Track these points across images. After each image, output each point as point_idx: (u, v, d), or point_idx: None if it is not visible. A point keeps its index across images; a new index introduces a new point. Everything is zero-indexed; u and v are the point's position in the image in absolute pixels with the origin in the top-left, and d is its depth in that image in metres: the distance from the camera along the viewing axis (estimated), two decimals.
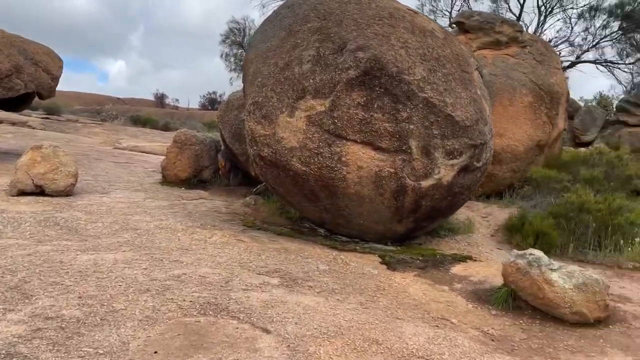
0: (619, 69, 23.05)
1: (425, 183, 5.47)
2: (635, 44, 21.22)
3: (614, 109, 15.25)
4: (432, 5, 24.28)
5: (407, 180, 5.41)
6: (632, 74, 22.46)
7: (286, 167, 5.66)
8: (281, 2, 7.21)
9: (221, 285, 4.12)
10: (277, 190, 6.27)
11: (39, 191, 7.03)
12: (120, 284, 3.87)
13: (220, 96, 67.27)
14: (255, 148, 5.87)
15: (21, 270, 3.92)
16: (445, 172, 5.49)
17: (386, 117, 5.31)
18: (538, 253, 4.31)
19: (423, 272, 5.32)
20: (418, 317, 4.00)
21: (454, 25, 10.06)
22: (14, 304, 3.29)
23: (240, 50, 29.70)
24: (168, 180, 9.32)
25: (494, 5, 21.85)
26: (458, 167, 5.54)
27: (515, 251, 4.52)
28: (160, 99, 63.76)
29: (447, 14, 24.32)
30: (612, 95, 23.65)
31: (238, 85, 31.66)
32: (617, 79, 22.56)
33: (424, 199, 5.57)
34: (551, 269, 4.15)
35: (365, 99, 5.32)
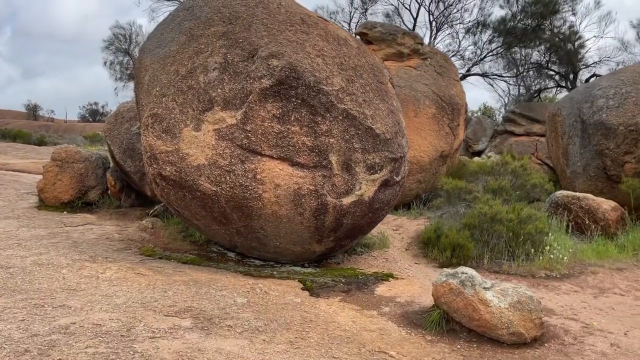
0: (505, 81, 25.01)
1: (347, 200, 5.13)
2: (513, 59, 23.18)
3: (501, 120, 16.35)
4: (330, 17, 24.56)
5: (328, 198, 5.04)
6: (518, 85, 24.47)
7: (193, 187, 5.02)
8: (174, 7, 6.53)
9: (122, 335, 3.40)
10: (181, 213, 5.57)
11: None
12: None
13: (102, 107, 63.07)
14: (155, 166, 5.15)
15: None
16: (366, 187, 5.20)
17: (304, 130, 4.90)
18: (470, 271, 4.13)
19: (348, 296, 4.95)
20: (354, 353, 3.60)
21: (357, 36, 10.01)
22: None
23: (126, 58, 27.76)
24: (47, 203, 8.09)
25: (387, 20, 22.64)
26: (379, 182, 5.28)
27: (447, 270, 4.32)
28: (32, 111, 58.12)
29: (346, 25, 24.72)
30: (494, 107, 25.62)
31: (125, 95, 29.65)
32: (497, 92, 24.42)
33: (345, 217, 5.22)
34: (484, 288, 3.99)
35: (281, 110, 4.87)
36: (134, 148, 7.73)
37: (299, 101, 4.89)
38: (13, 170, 13.98)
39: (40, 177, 12.12)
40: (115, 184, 8.25)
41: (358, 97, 5.12)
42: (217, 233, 5.61)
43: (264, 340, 3.62)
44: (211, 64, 5.10)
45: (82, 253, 5.48)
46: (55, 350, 3.05)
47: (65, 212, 7.86)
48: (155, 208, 7.54)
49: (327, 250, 5.70)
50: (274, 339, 3.67)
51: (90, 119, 57.93)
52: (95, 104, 61.17)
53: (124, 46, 27.92)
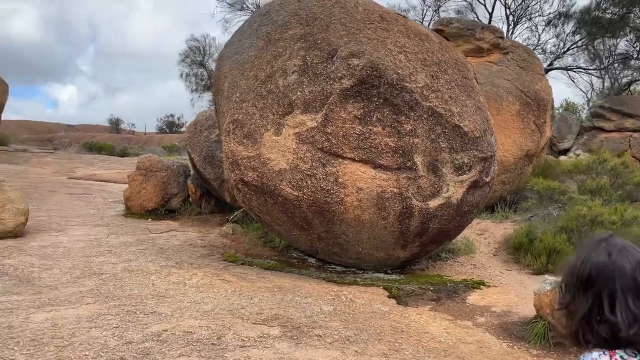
0: (590, 74, 23.44)
1: (433, 203, 4.86)
2: (596, 51, 21.66)
3: (587, 115, 15.25)
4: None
5: (413, 201, 4.79)
6: (602, 79, 22.86)
7: (274, 192, 4.95)
8: (247, 17, 6.55)
9: (212, 343, 3.35)
10: (262, 218, 5.54)
11: None
12: (87, 352, 3.05)
13: (178, 119, 65.92)
14: (237, 172, 5.14)
15: None
16: (454, 189, 4.90)
17: (387, 130, 4.69)
18: None
19: (438, 305, 4.68)
20: None
21: None
22: None
23: (200, 70, 28.80)
24: (132, 211, 8.41)
25: (460, 16, 21.87)
26: (468, 184, 4.97)
27: (549, 277, 3.95)
28: (115, 125, 61.85)
29: (419, 22, 24.25)
30: (577, 103, 24.06)
31: (201, 106, 30.67)
32: (579, 87, 22.92)
33: (431, 221, 4.96)
34: None
35: (362, 111, 4.70)
36: (213, 155, 7.86)
37: (381, 100, 4.70)
38: (100, 181, 14.79)
39: (125, 186, 12.71)
40: (196, 191, 8.43)
41: (444, 93, 4.85)
42: (298, 239, 5.52)
43: (356, 351, 3.44)
44: (290, 67, 5.02)
45: (168, 259, 5.58)
46: (150, 358, 3.04)
47: (149, 219, 8.11)
48: (234, 214, 7.61)
49: (412, 256, 5.45)
50: (367, 350, 3.48)
51: (167, 131, 60.72)
52: (172, 116, 64.01)
53: (198, 58, 28.99)
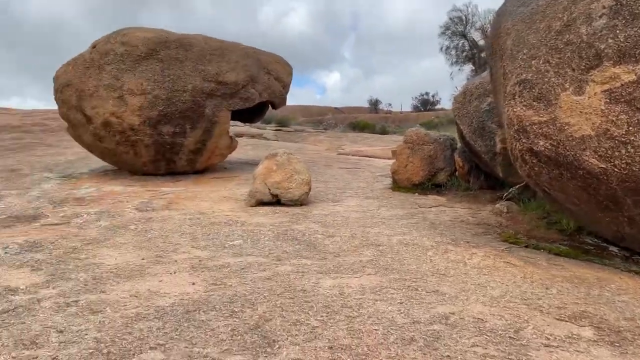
0: None
1: None
2: None
3: None
4: None
5: None
6: None
7: (573, 164, 4.12)
8: None
9: (510, 337, 2.87)
10: (552, 196, 4.74)
11: (275, 200, 6.79)
12: (376, 327, 2.93)
13: (432, 96, 66.12)
14: (524, 141, 4.47)
15: (261, 303, 3.29)
16: None
17: None
18: None
19: None
20: None
21: None
22: (255, 355, 2.58)
23: (461, 41, 27.91)
24: (399, 185, 8.44)
25: None
26: None
27: None
28: (374, 105, 65.42)
29: None
30: None
31: (460, 79, 29.84)
32: None
33: None
34: None
35: None
36: (483, 127, 7.24)
37: None
38: (365, 156, 15.60)
39: (388, 161, 13.03)
40: (464, 165, 7.97)
41: None
42: (600, 221, 4.56)
43: None
44: (596, 10, 4.06)
45: (442, 235, 5.29)
46: (441, 344, 2.75)
47: (416, 194, 8.01)
48: (509, 191, 6.88)
49: None
50: None
51: (422, 109, 61.49)
52: (426, 94, 64.55)
53: (459, 29, 28.12)
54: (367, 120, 38.23)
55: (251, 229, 5.46)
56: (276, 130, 27.93)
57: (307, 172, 6.99)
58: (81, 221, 5.87)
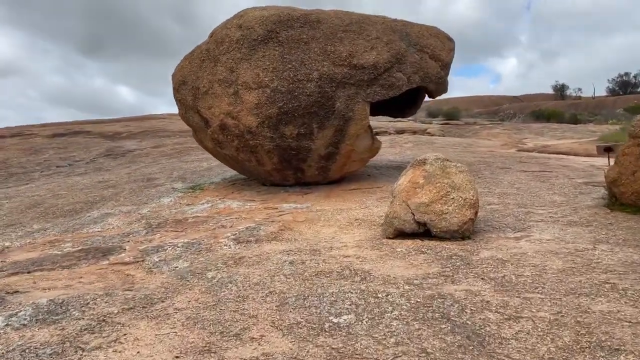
0: None
1: None
2: None
3: None
4: None
5: None
6: None
7: None
8: None
9: None
10: None
11: (422, 231, 4.59)
12: None
13: (635, 77, 56.02)
14: None
15: None
16: None
17: None
18: None
19: None
20: None
21: None
22: None
23: None
24: (621, 201, 5.50)
25: None
26: None
27: None
28: (560, 91, 57.67)
29: None
30: None
31: None
32: None
33: None
34: None
35: None
36: None
37: None
38: (555, 153, 12.25)
39: (589, 160, 9.69)
40: None
41: None
42: None
43: None
44: None
45: None
46: None
47: None
48: None
49: None
50: None
51: (621, 92, 52.34)
52: (626, 75, 54.89)
53: None
54: (554, 108, 32.98)
55: (375, 288, 3.37)
56: (443, 124, 25.13)
57: (472, 188, 4.64)
58: (157, 259, 4.41)
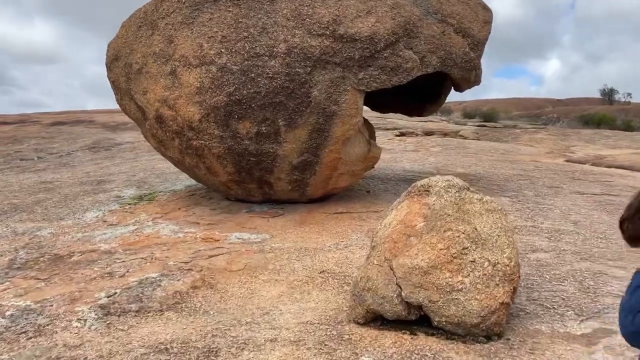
0: None
1: None
2: None
3: None
4: None
5: None
6: None
7: None
8: None
9: None
10: None
11: (415, 317, 2.55)
12: None
13: None
14: None
15: None
16: None
17: None
18: None
19: None
20: None
21: None
22: None
23: None
24: None
25: None
26: None
27: None
28: (608, 95, 54.06)
29: None
30: None
31: None
32: None
33: None
34: None
35: None
36: None
37: None
38: (614, 167, 9.87)
39: None
40: None
41: None
42: None
43: None
44: None
45: None
46: None
47: None
48: None
49: None
50: None
51: None
52: None
53: None
54: (604, 113, 29.95)
55: None
56: (479, 126, 22.65)
57: (508, 243, 2.57)
58: None
